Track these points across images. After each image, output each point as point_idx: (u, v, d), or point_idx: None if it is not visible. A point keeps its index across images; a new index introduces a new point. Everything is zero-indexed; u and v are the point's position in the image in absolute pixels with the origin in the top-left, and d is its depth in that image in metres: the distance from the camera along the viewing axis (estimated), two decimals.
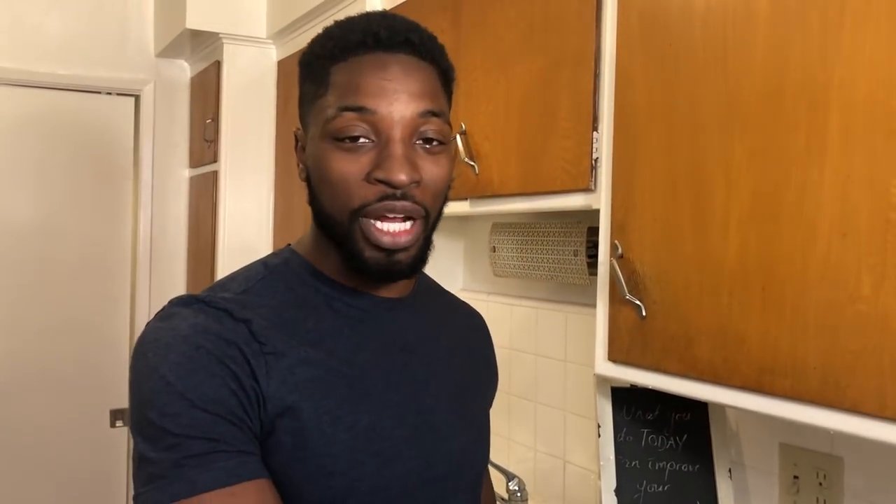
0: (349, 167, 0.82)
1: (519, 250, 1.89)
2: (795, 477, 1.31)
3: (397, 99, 0.82)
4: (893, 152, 0.88)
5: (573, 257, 1.72)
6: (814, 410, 0.96)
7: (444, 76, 0.90)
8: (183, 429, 0.74)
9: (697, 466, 1.37)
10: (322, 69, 0.85)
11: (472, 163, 1.62)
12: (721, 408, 1.42)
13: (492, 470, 1.76)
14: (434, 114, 0.85)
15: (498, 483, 1.82)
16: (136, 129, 3.09)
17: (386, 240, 0.83)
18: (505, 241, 1.94)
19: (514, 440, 2.07)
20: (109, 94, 3.05)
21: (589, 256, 1.68)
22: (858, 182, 0.91)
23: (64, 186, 2.96)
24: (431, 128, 0.84)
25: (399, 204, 0.82)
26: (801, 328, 0.97)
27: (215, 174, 2.75)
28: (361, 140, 0.82)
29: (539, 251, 1.82)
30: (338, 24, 0.88)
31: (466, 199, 1.68)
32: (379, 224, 0.83)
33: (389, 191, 0.82)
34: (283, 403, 0.79)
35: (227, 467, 0.74)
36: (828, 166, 0.94)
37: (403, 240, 0.83)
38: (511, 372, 2.07)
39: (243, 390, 0.77)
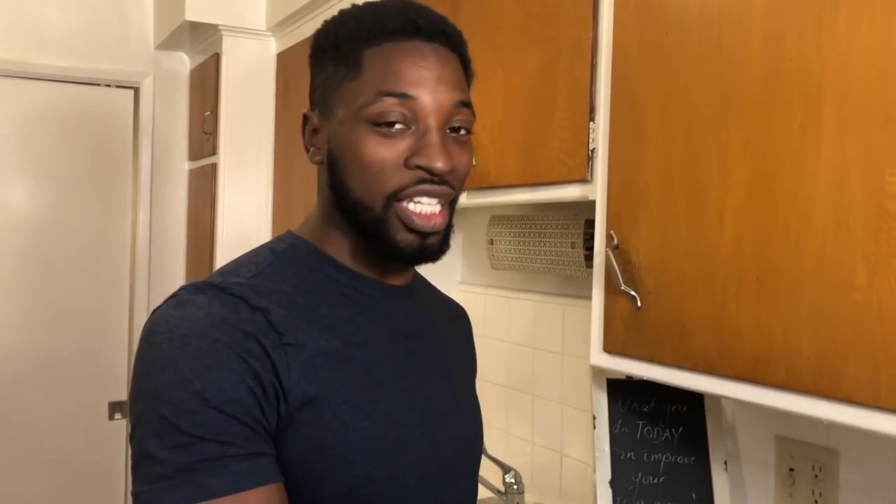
0: (386, 152, 0.82)
1: (516, 243, 1.89)
2: (791, 469, 1.31)
3: (436, 88, 0.84)
4: (889, 142, 0.88)
5: (570, 249, 1.71)
6: (808, 401, 0.96)
7: (466, 69, 0.92)
8: (197, 429, 0.72)
9: (693, 459, 1.37)
10: (352, 52, 0.85)
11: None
12: (717, 400, 1.42)
13: (488, 462, 1.77)
14: (465, 104, 0.87)
15: (494, 476, 1.82)
16: (135, 121, 3.09)
17: (421, 223, 0.84)
18: (502, 234, 1.94)
19: (511, 433, 2.07)
20: (109, 86, 3.04)
21: (586, 249, 1.68)
22: (853, 172, 0.91)
23: (63, 178, 2.96)
24: (462, 118, 0.86)
25: (439, 188, 0.84)
26: (795, 318, 0.96)
27: (214, 167, 2.75)
28: (398, 126, 0.83)
29: (536, 243, 1.82)
30: (365, 8, 0.88)
31: (463, 190, 1.67)
32: (413, 207, 0.84)
33: (427, 177, 0.83)
34: (303, 396, 0.77)
35: (238, 471, 0.73)
36: (823, 156, 0.94)
37: (436, 223, 0.85)
38: (509, 365, 2.07)
39: (261, 387, 0.75)
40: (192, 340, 0.75)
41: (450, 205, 0.87)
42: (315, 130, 0.90)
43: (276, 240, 0.92)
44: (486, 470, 1.65)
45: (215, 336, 0.75)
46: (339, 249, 0.89)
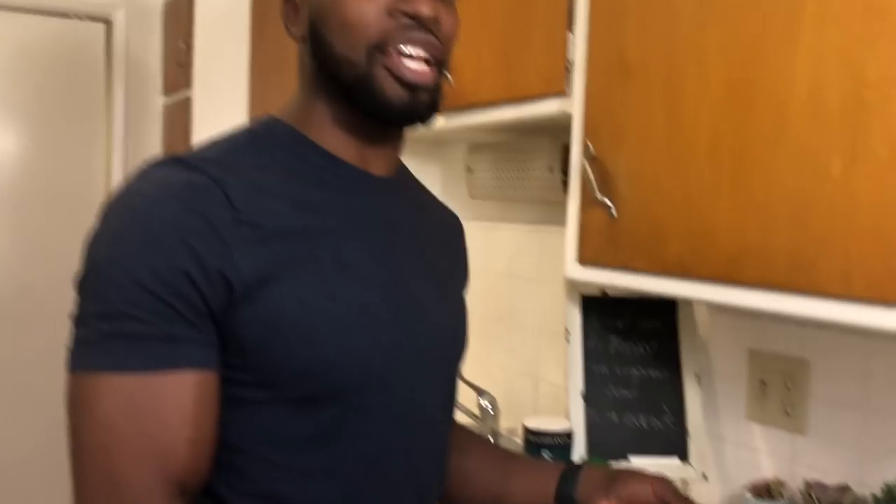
0: (368, 4, 0.81)
1: (495, 170, 1.87)
2: (763, 382, 1.32)
3: None
4: (869, 29, 0.86)
5: (549, 174, 1.70)
6: (781, 297, 0.95)
7: None
8: (125, 305, 0.71)
9: (666, 373, 1.37)
10: None
11: (446, 73, 1.58)
12: (690, 315, 1.42)
13: (463, 387, 1.77)
14: None
15: (469, 400, 1.82)
16: (107, 55, 3.02)
17: (411, 75, 0.81)
18: (481, 162, 1.92)
19: (488, 361, 2.07)
20: (80, 18, 2.97)
21: (564, 172, 1.66)
22: (832, 61, 0.89)
23: (33, 115, 2.90)
24: None
25: (425, 37, 0.81)
26: (770, 214, 0.96)
27: (188, 100, 2.70)
28: None
29: (515, 169, 1.80)
30: None
31: (440, 112, 1.65)
32: (401, 58, 0.81)
33: (412, 23, 0.81)
34: (259, 275, 0.75)
35: (159, 352, 0.72)
36: (802, 46, 0.92)
37: (426, 78, 0.82)
38: (487, 294, 2.07)
39: (203, 269, 0.73)
40: (138, 216, 0.74)
41: (438, 69, 0.85)
42: (296, 8, 0.88)
43: (254, 121, 0.89)
44: (461, 396, 1.65)
45: (161, 214, 0.74)
46: (322, 129, 0.87)
